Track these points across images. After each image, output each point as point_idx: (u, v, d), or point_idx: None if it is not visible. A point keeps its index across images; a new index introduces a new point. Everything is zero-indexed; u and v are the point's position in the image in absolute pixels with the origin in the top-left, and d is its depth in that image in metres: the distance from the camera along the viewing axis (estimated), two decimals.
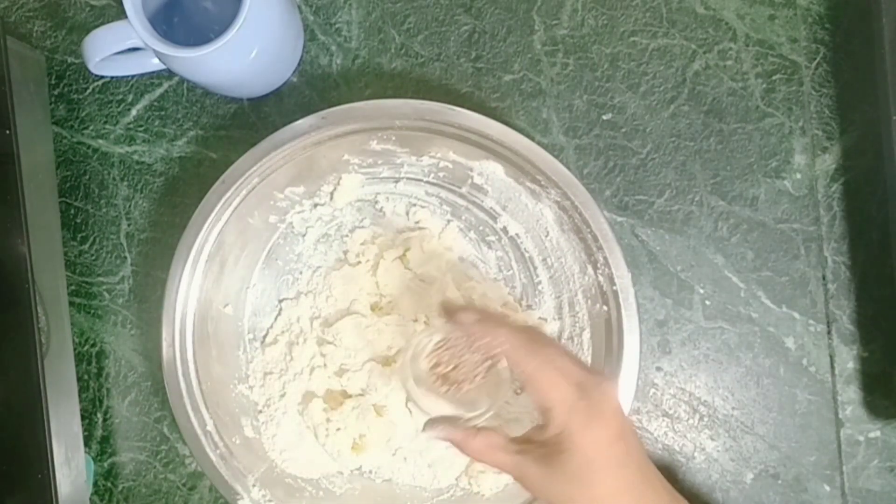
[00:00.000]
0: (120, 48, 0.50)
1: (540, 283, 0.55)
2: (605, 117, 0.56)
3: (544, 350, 0.41)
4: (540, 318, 0.54)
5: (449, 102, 0.51)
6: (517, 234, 0.54)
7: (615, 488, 0.40)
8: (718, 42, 0.56)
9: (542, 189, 0.51)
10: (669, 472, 0.55)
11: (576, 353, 0.52)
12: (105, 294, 0.57)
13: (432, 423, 0.45)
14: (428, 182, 0.55)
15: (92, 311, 0.57)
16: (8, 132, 0.50)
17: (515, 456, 0.42)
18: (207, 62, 0.48)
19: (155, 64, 0.53)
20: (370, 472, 0.54)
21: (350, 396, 0.54)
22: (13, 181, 0.50)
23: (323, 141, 0.51)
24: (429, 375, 0.45)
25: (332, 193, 0.55)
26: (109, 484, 0.57)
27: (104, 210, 0.57)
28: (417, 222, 0.55)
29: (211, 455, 0.51)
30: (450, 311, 0.45)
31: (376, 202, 0.55)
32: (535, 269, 0.55)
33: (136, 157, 0.58)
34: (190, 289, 0.51)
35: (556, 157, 0.50)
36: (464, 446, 0.43)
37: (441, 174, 0.54)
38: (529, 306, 0.55)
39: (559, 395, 0.40)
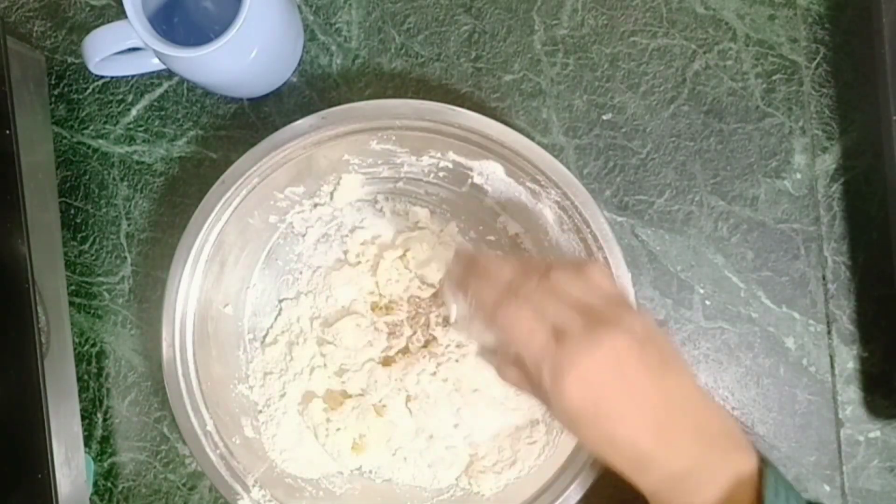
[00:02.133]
0: (120, 48, 0.50)
1: None
2: (605, 117, 0.56)
3: (516, 298, 0.39)
4: None
5: (449, 102, 0.51)
6: (517, 234, 0.54)
7: (602, 440, 0.38)
8: (718, 42, 0.56)
9: (542, 189, 0.51)
10: None
11: (603, 271, 0.43)
12: (105, 294, 0.57)
13: (482, 350, 0.49)
14: (428, 182, 0.55)
15: (92, 311, 0.57)
16: (8, 132, 0.50)
17: (537, 391, 0.41)
18: (207, 62, 0.48)
19: (155, 64, 0.53)
20: (370, 472, 0.54)
21: (350, 396, 0.54)
22: (13, 181, 0.50)
23: (323, 141, 0.51)
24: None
25: (332, 193, 0.55)
26: (109, 484, 0.57)
27: (104, 210, 0.57)
28: (417, 222, 0.55)
29: (211, 455, 0.51)
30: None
31: (376, 202, 0.55)
32: None
33: (136, 157, 0.58)
34: (190, 289, 0.51)
35: (556, 157, 0.50)
36: (500, 375, 0.44)
37: (441, 174, 0.54)
38: None
39: (526, 348, 0.39)
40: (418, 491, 0.54)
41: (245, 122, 0.57)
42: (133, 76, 0.57)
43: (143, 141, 0.57)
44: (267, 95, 0.57)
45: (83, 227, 0.58)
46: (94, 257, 0.57)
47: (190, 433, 0.51)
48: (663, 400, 0.38)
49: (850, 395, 0.55)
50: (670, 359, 0.40)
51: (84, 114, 0.58)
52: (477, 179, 0.54)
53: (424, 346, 0.54)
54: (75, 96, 0.58)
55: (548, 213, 0.52)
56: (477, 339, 0.51)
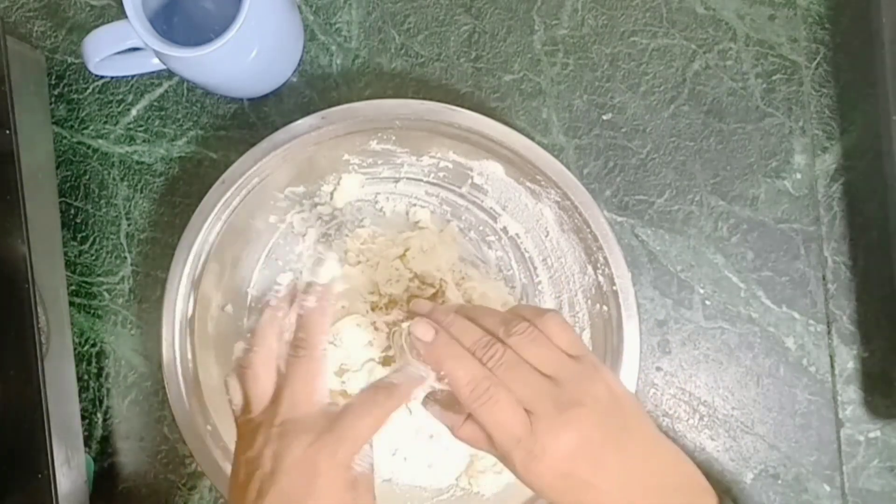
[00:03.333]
0: (120, 48, 0.50)
1: (540, 283, 0.55)
2: (605, 117, 0.56)
3: (490, 381, 0.40)
4: None
5: (449, 102, 0.51)
6: (517, 234, 0.54)
7: None
8: (718, 42, 0.56)
9: (542, 189, 0.51)
10: None
11: (559, 321, 0.42)
12: (105, 294, 0.57)
13: (431, 399, 0.46)
14: (428, 182, 0.55)
15: (92, 311, 0.57)
16: (8, 132, 0.50)
17: (496, 452, 0.42)
18: (207, 62, 0.48)
19: (155, 64, 0.53)
20: None
21: (350, 396, 0.54)
22: (13, 181, 0.49)
23: (323, 141, 0.51)
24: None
25: (332, 193, 0.55)
26: (109, 484, 0.57)
27: (104, 210, 0.57)
28: (417, 222, 0.55)
29: (211, 455, 0.51)
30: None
31: (376, 202, 0.55)
32: (535, 269, 0.55)
33: (136, 157, 0.58)
34: (190, 289, 0.51)
35: (556, 157, 0.50)
36: (454, 432, 0.44)
37: (441, 174, 0.54)
38: None
39: (502, 433, 0.39)
40: (418, 491, 0.54)
41: (245, 122, 0.57)
42: (133, 76, 0.57)
43: (143, 141, 0.57)
44: (267, 95, 0.57)
45: (83, 227, 0.58)
46: (94, 257, 0.57)
47: (190, 433, 0.51)
48: (627, 465, 0.40)
49: (850, 395, 0.55)
50: (630, 417, 0.41)
51: (84, 114, 0.58)
52: (477, 179, 0.54)
53: None
54: (75, 96, 0.58)
55: (548, 213, 0.52)
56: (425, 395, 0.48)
